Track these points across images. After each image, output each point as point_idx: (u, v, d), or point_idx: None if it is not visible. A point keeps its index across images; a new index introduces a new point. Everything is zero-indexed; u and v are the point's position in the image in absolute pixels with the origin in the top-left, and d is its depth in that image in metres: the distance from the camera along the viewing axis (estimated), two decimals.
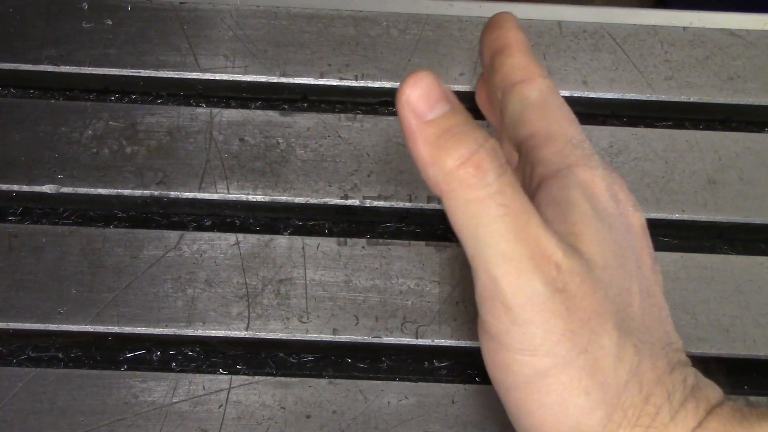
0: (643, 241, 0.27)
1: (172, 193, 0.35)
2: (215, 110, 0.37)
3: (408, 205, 0.35)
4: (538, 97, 0.29)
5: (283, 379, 0.31)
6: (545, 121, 0.29)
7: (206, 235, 0.34)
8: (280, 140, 0.36)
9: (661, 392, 0.25)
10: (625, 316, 0.25)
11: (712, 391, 0.26)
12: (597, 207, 0.27)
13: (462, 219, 0.24)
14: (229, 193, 0.35)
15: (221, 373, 0.32)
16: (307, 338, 0.32)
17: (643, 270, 0.27)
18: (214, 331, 0.32)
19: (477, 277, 0.24)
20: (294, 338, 0.32)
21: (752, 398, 0.27)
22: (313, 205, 0.35)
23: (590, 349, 0.24)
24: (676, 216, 0.35)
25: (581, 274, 0.24)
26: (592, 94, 0.38)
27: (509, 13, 0.31)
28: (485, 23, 0.31)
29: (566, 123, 0.29)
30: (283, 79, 0.37)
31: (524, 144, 0.29)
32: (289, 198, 0.35)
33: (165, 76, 0.37)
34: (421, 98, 0.23)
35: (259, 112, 0.37)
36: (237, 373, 0.32)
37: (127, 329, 0.32)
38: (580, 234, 0.26)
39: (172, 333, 0.32)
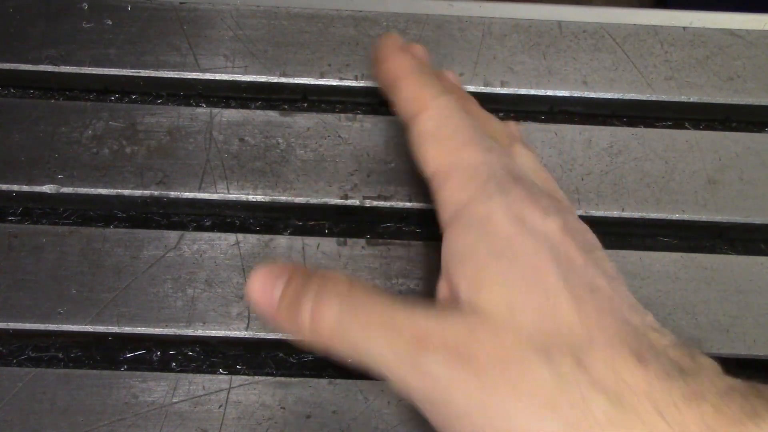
0: (564, 242, 0.26)
1: (172, 193, 0.35)
2: (215, 110, 0.37)
3: (408, 205, 0.35)
4: (432, 127, 0.29)
5: (283, 379, 0.31)
6: (441, 153, 0.29)
7: (206, 235, 0.34)
8: (280, 140, 0.36)
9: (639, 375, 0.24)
10: (553, 336, 0.25)
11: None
12: (495, 244, 0.26)
13: (344, 352, 0.26)
14: (229, 193, 0.35)
15: (221, 373, 0.32)
16: None
17: (574, 270, 0.26)
18: (214, 331, 0.32)
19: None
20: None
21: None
22: (313, 205, 0.35)
23: (523, 385, 0.24)
24: (676, 216, 0.35)
25: (471, 331, 0.25)
26: (592, 94, 0.38)
27: (390, 36, 0.32)
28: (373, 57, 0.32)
29: (461, 148, 0.29)
30: (283, 79, 0.37)
31: (431, 186, 0.29)
32: (289, 198, 0.35)
33: (165, 76, 0.37)
34: (262, 293, 0.27)
35: (259, 112, 0.37)
36: (237, 373, 0.32)
37: (127, 329, 0.32)
38: (480, 284, 0.26)
39: (172, 333, 0.32)
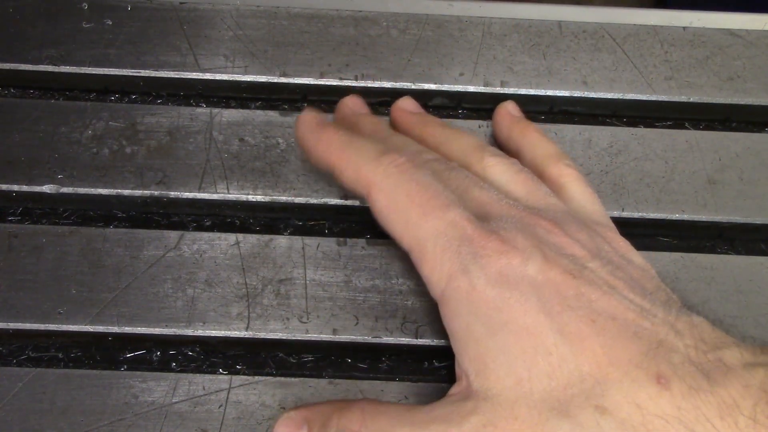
0: (549, 280, 0.26)
1: (172, 193, 0.35)
2: (215, 110, 0.37)
3: None
4: (384, 205, 0.29)
5: (283, 379, 0.31)
6: (404, 229, 0.29)
7: (206, 235, 0.34)
8: (280, 140, 0.36)
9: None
10: (567, 390, 0.25)
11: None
12: (486, 318, 0.26)
13: None
14: (229, 193, 0.35)
15: (221, 373, 0.32)
16: (307, 338, 0.32)
17: (568, 307, 0.26)
18: (214, 331, 0.32)
19: None
20: (294, 338, 0.32)
21: None
22: (313, 205, 0.35)
23: None
24: (676, 216, 0.35)
25: (489, 421, 0.25)
26: (592, 94, 0.38)
27: (303, 120, 0.32)
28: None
29: (422, 218, 0.28)
30: (283, 79, 0.37)
31: (411, 259, 0.29)
32: (289, 198, 0.35)
33: (165, 76, 0.37)
34: None
35: (259, 112, 0.37)
36: (237, 373, 0.32)
37: (127, 329, 0.32)
38: (485, 366, 0.26)
39: (172, 333, 0.32)
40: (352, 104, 0.35)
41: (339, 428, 0.27)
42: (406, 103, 0.36)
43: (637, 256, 0.30)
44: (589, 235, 0.29)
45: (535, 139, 0.34)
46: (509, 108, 0.36)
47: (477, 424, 0.25)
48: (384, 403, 0.28)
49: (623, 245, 0.30)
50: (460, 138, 0.33)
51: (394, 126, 0.35)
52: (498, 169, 0.32)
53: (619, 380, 0.24)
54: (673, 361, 0.25)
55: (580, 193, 0.33)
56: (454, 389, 0.27)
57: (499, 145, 0.36)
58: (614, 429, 0.24)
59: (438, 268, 0.28)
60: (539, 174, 0.33)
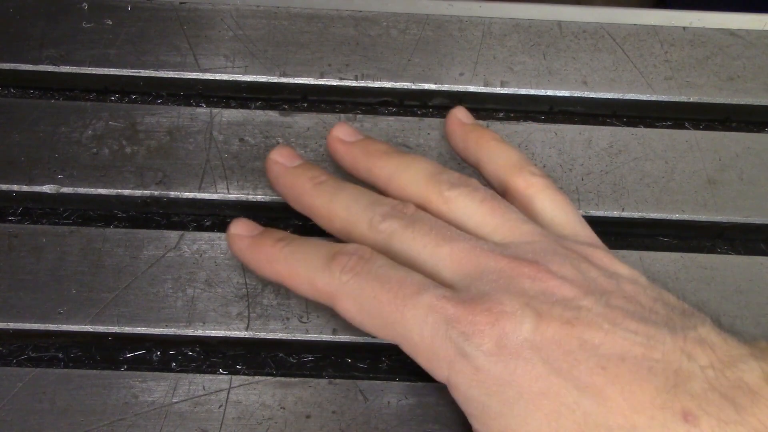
0: (547, 337, 0.25)
1: (172, 193, 0.35)
2: (215, 110, 0.37)
3: None
4: (355, 313, 0.28)
5: (283, 379, 0.31)
6: (385, 331, 0.28)
7: (206, 235, 0.34)
8: (280, 140, 0.36)
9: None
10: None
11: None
12: (498, 394, 0.26)
13: None
14: (229, 193, 0.35)
15: (221, 373, 0.32)
16: (307, 338, 0.32)
17: (575, 359, 0.25)
18: (214, 331, 0.32)
19: None
20: (294, 338, 0.32)
21: None
22: None
23: None
24: (676, 216, 0.35)
25: None
26: (592, 94, 0.38)
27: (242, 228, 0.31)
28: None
29: (397, 319, 0.27)
30: (283, 79, 0.37)
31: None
32: None
33: (165, 76, 0.37)
34: None
35: (259, 112, 0.37)
36: (237, 373, 0.32)
37: (127, 329, 0.32)
38: None
39: (172, 333, 0.32)
40: (282, 159, 0.32)
41: None
42: (341, 132, 0.33)
43: (622, 267, 0.29)
44: (574, 266, 0.28)
45: (492, 149, 0.33)
46: (459, 116, 0.34)
47: None
48: None
49: (606, 259, 0.29)
50: (411, 167, 0.31)
51: (334, 158, 0.34)
52: (460, 203, 0.30)
53: (648, 426, 0.24)
54: (695, 391, 0.24)
55: (549, 203, 0.31)
56: None
57: (458, 155, 0.35)
58: None
59: (434, 359, 0.27)
60: (503, 188, 0.32)
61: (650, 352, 0.25)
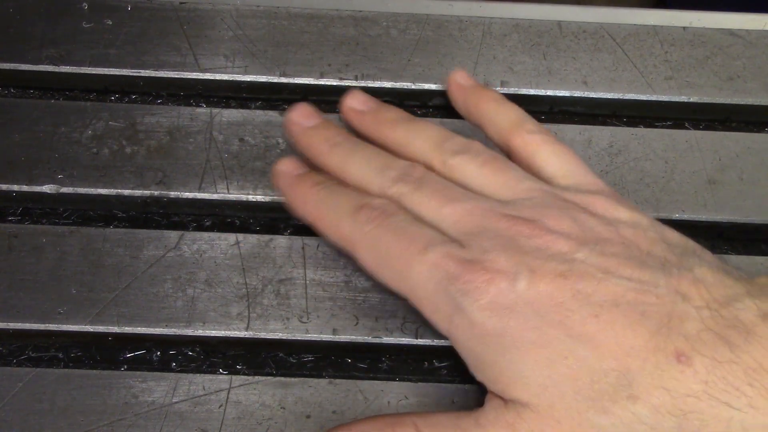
0: (540, 292, 0.26)
1: (172, 193, 0.35)
2: (215, 110, 0.37)
3: None
4: (372, 260, 0.30)
5: (283, 379, 0.31)
6: (396, 280, 0.29)
7: (206, 235, 0.34)
8: (280, 140, 0.36)
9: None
10: (594, 385, 0.25)
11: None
12: (495, 343, 0.27)
13: None
14: (229, 193, 0.35)
15: (221, 373, 0.32)
16: (307, 338, 0.32)
17: (568, 309, 0.26)
18: (214, 331, 0.32)
19: None
20: (294, 338, 0.32)
21: None
22: None
23: None
24: (676, 216, 0.35)
25: (537, 430, 0.26)
26: (592, 94, 0.38)
27: (278, 174, 0.33)
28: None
29: (406, 270, 0.29)
30: (283, 79, 0.37)
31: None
32: None
33: (165, 76, 0.37)
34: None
35: (259, 112, 0.37)
36: (237, 373, 0.32)
37: (127, 329, 0.32)
38: (511, 383, 0.27)
39: (172, 333, 0.32)
40: (299, 118, 0.34)
41: None
42: (354, 101, 0.35)
43: (624, 211, 0.29)
44: (571, 218, 0.29)
45: (491, 110, 0.34)
46: (458, 79, 0.36)
47: (527, 430, 0.26)
48: (433, 414, 0.28)
49: (607, 205, 0.30)
50: (418, 137, 0.32)
51: (349, 127, 0.35)
52: (462, 170, 0.31)
53: (641, 368, 0.25)
54: (689, 332, 0.25)
55: (550, 157, 0.32)
56: (491, 396, 0.28)
57: (463, 117, 0.36)
58: (649, 416, 0.24)
59: (436, 312, 0.28)
60: (506, 148, 0.33)
61: (644, 296, 0.26)
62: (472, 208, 0.29)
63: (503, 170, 0.31)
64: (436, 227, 0.29)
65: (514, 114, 0.33)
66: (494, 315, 0.26)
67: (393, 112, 0.34)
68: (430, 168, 0.32)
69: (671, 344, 0.25)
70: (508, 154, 0.33)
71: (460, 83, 0.36)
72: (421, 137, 0.32)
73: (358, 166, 0.32)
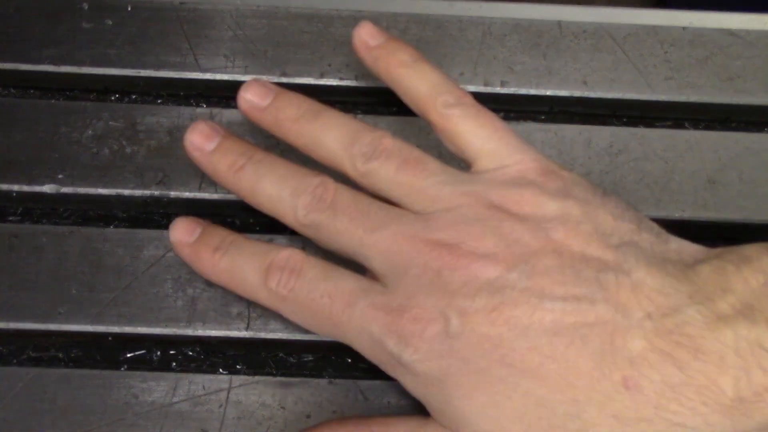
0: (477, 343, 0.26)
1: (172, 193, 0.35)
2: (215, 110, 0.37)
3: None
4: (299, 321, 0.29)
5: (283, 379, 0.31)
6: (333, 337, 0.28)
7: None
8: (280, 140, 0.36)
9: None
10: (544, 425, 0.25)
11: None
12: (438, 396, 0.26)
13: None
14: (229, 193, 0.35)
15: (221, 373, 0.32)
16: (307, 338, 0.32)
17: (502, 360, 0.25)
18: (214, 331, 0.32)
19: None
20: (294, 338, 0.32)
21: None
22: None
23: None
24: (676, 216, 0.35)
25: None
26: (592, 94, 0.38)
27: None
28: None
29: (337, 328, 0.28)
30: (283, 79, 0.37)
31: None
32: None
33: (165, 76, 0.37)
34: None
35: None
36: (237, 373, 0.32)
37: (127, 329, 0.32)
38: (451, 428, 0.26)
39: (172, 333, 0.32)
40: (198, 140, 0.31)
41: None
42: (249, 94, 0.32)
43: (551, 204, 0.27)
44: (496, 234, 0.27)
45: (402, 79, 0.31)
46: (362, 35, 0.32)
47: None
48: (393, 420, 0.28)
49: (533, 200, 0.28)
50: (325, 138, 0.30)
51: (253, 121, 0.33)
52: (376, 176, 0.29)
53: (588, 398, 0.24)
54: (634, 353, 0.24)
55: (472, 134, 0.29)
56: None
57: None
58: None
59: (380, 365, 0.28)
60: (425, 120, 0.31)
61: (582, 317, 0.25)
62: (393, 236, 0.28)
63: (421, 175, 0.29)
64: (361, 259, 0.29)
65: (428, 82, 0.30)
66: (434, 364, 0.26)
67: (294, 108, 0.31)
68: (345, 175, 0.30)
69: (617, 370, 0.24)
70: (428, 124, 0.31)
71: (366, 42, 0.32)
72: (327, 139, 0.30)
73: (268, 195, 0.30)
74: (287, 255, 0.29)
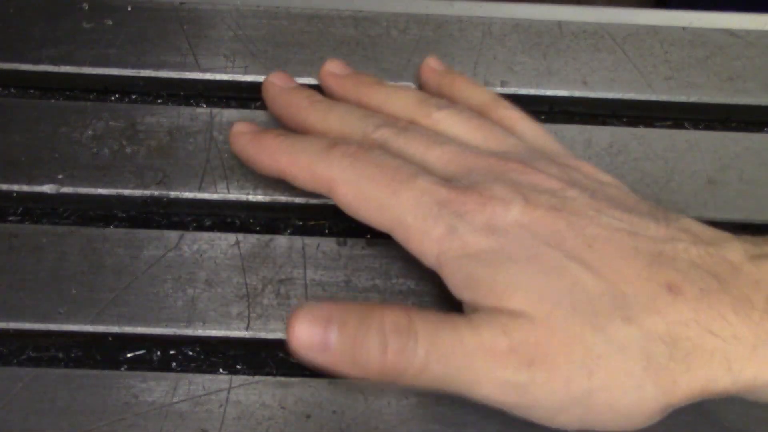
0: (536, 220, 0.26)
1: (172, 193, 0.35)
2: (215, 110, 0.37)
3: None
4: (353, 199, 0.29)
5: (283, 379, 0.31)
6: (379, 216, 0.28)
7: (206, 235, 0.34)
8: None
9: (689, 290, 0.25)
10: (590, 306, 0.25)
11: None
12: (489, 261, 0.26)
13: (430, 385, 0.26)
14: (229, 193, 0.35)
15: (221, 373, 0.32)
16: None
17: (563, 238, 0.26)
18: (214, 331, 0.32)
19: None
20: None
21: None
22: (314, 205, 0.35)
23: (590, 364, 0.24)
24: None
25: (531, 336, 0.25)
26: (592, 94, 0.38)
27: (234, 135, 0.32)
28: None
29: (391, 202, 0.28)
30: None
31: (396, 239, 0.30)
32: (289, 198, 0.35)
33: (165, 76, 0.37)
34: (310, 338, 0.26)
35: (259, 112, 0.37)
36: (237, 373, 0.32)
37: (127, 329, 0.32)
38: (498, 297, 0.26)
39: (172, 333, 0.32)
40: (279, 81, 0.34)
41: (383, 324, 0.25)
42: (332, 66, 0.35)
43: (606, 176, 0.30)
44: (559, 167, 0.29)
45: (465, 89, 0.34)
46: (432, 64, 0.36)
47: (522, 337, 0.25)
48: (425, 310, 0.27)
49: (591, 169, 0.31)
50: (401, 95, 0.32)
51: (327, 93, 0.35)
52: (449, 121, 0.31)
53: (635, 293, 0.25)
54: (679, 267, 0.25)
55: (528, 129, 0.32)
56: (483, 306, 0.27)
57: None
58: (641, 339, 0.24)
59: (426, 238, 0.27)
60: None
61: (634, 235, 0.26)
62: (460, 150, 0.29)
63: (489, 127, 0.31)
64: (424, 168, 0.29)
65: (489, 94, 0.34)
66: (490, 235, 0.26)
67: (373, 77, 0.34)
68: (414, 123, 0.31)
69: (663, 275, 0.25)
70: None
71: (433, 68, 0.36)
72: (403, 96, 0.32)
73: (339, 115, 0.31)
74: (358, 140, 0.30)
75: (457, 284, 0.27)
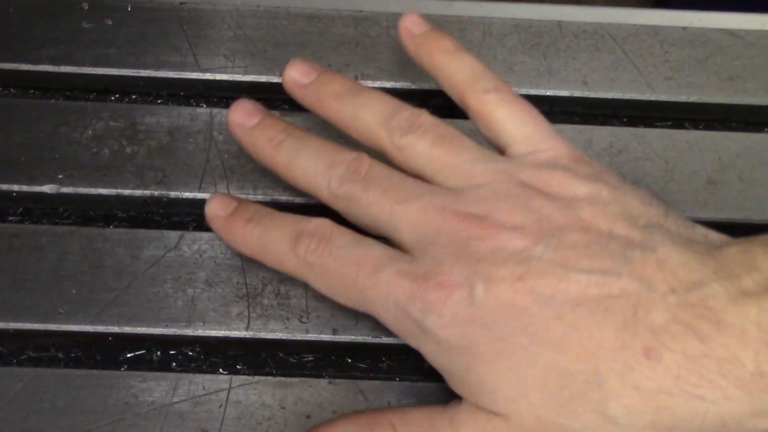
0: (501, 309, 0.26)
1: (172, 193, 0.35)
2: (215, 110, 0.37)
3: None
4: (323, 288, 0.29)
5: (283, 379, 0.31)
6: (355, 305, 0.29)
7: (206, 235, 0.34)
8: None
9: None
10: (551, 399, 0.25)
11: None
12: (459, 362, 0.27)
13: None
14: (229, 193, 0.35)
15: (221, 373, 0.32)
16: (307, 338, 0.32)
17: (526, 328, 0.26)
18: (214, 331, 0.32)
19: None
20: (294, 338, 0.32)
21: None
22: (314, 205, 0.35)
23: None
24: None
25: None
26: (592, 94, 0.38)
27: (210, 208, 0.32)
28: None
29: (362, 293, 0.28)
30: None
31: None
32: (289, 198, 0.35)
33: (165, 76, 0.37)
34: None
35: None
36: (237, 373, 0.32)
37: (127, 329, 0.32)
38: (474, 395, 0.26)
39: (172, 333, 0.32)
40: (240, 119, 0.32)
41: None
42: (294, 72, 0.32)
43: (582, 186, 0.28)
44: (525, 208, 0.27)
45: (444, 63, 0.32)
46: (408, 24, 0.33)
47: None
48: (409, 410, 0.28)
49: (564, 182, 0.28)
50: (364, 112, 0.31)
51: (294, 99, 0.33)
52: (412, 150, 0.30)
53: (609, 368, 0.24)
54: (656, 324, 0.24)
55: (507, 119, 0.30)
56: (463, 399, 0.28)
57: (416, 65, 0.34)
58: (622, 416, 0.24)
59: (403, 333, 0.28)
60: (462, 106, 0.32)
61: (606, 289, 0.25)
62: (424, 208, 0.28)
63: (455, 151, 0.29)
64: (390, 230, 0.29)
65: (467, 68, 0.31)
66: (457, 331, 0.26)
67: (337, 84, 0.32)
68: (380, 150, 0.30)
69: (638, 341, 0.24)
70: (464, 111, 0.32)
71: (411, 31, 0.33)
72: (367, 113, 0.31)
73: (303, 168, 0.30)
74: (317, 224, 0.29)
75: (444, 377, 0.28)
